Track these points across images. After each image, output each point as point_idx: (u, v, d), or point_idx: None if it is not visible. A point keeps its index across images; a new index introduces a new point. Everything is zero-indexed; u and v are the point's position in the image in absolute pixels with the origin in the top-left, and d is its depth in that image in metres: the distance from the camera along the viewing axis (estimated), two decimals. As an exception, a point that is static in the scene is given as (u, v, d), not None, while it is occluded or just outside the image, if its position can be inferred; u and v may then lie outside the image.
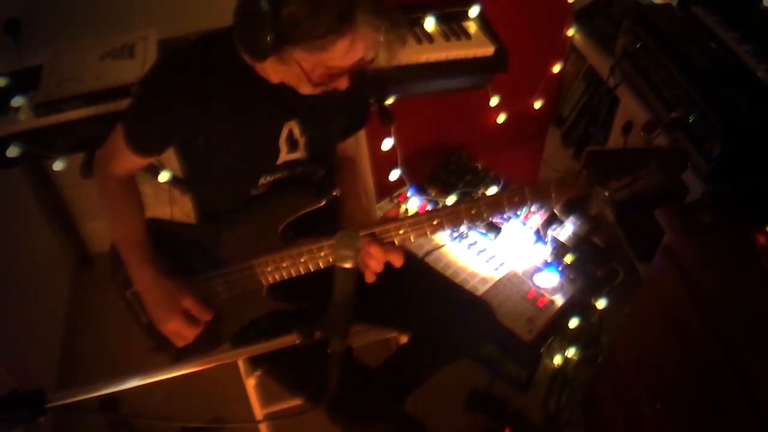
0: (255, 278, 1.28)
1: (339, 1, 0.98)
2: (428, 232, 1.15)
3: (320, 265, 1.23)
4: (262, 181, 1.31)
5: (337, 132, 1.39)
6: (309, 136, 1.29)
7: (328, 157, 1.40)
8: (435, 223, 1.14)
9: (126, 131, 1.22)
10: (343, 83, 1.14)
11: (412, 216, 1.16)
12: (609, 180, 1.08)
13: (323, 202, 1.29)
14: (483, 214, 1.13)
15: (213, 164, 1.28)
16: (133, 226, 1.29)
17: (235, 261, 1.29)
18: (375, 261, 1.15)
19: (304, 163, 1.33)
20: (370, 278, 1.17)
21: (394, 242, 1.16)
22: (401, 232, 1.15)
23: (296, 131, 1.28)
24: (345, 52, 1.05)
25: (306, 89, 1.15)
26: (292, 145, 1.29)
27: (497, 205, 1.12)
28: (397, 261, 1.16)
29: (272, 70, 1.15)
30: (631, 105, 1.85)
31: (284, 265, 1.25)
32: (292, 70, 1.09)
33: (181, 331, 1.26)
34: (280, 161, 1.30)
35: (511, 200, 1.12)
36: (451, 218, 1.14)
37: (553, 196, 1.11)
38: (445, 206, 1.16)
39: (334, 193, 1.41)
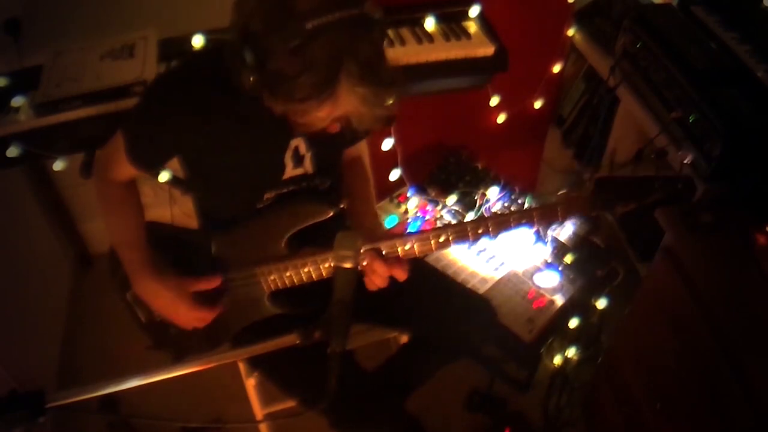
0: (257, 285, 1.28)
1: (323, 65, 0.93)
2: (434, 248, 1.15)
3: (323, 275, 1.22)
4: (267, 195, 1.30)
5: (343, 144, 1.38)
6: (315, 151, 1.28)
7: (335, 169, 1.39)
8: (441, 240, 1.14)
9: (126, 144, 1.21)
10: (333, 128, 1.10)
11: (419, 232, 1.16)
12: (615, 205, 1.11)
13: (330, 213, 1.28)
14: (490, 233, 1.13)
15: (217, 180, 1.27)
16: (132, 229, 1.29)
17: (237, 267, 1.28)
18: (378, 277, 1.14)
19: (311, 177, 1.32)
20: (371, 288, 1.18)
21: (398, 255, 1.15)
22: (407, 246, 1.15)
23: (302, 147, 1.26)
24: (324, 117, 1.02)
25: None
26: (298, 160, 1.28)
27: (504, 225, 1.13)
28: (401, 275, 1.15)
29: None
30: (631, 105, 1.84)
31: (287, 273, 1.24)
32: (278, 109, 1.07)
33: (200, 316, 1.28)
34: (285, 176, 1.29)
35: (519, 221, 1.12)
36: (458, 235, 1.14)
37: (560, 216, 1.12)
38: (452, 223, 1.16)
39: (342, 206, 1.41)
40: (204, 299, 1.28)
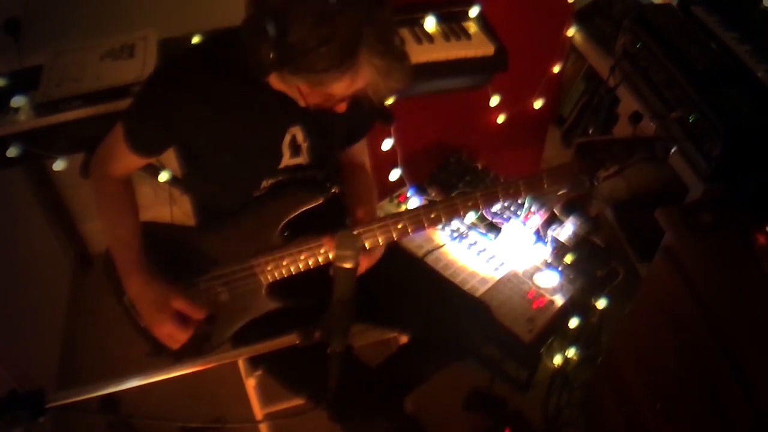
0: (255, 277, 1.28)
1: (345, 37, 0.96)
2: (426, 225, 1.18)
3: (320, 261, 1.24)
4: (264, 184, 1.31)
5: (340, 138, 1.38)
6: (312, 142, 1.29)
7: (331, 162, 1.40)
8: (432, 216, 1.17)
9: (126, 130, 1.22)
10: (341, 108, 1.14)
11: (410, 210, 1.18)
12: (598, 169, 1.15)
13: (321, 200, 1.29)
14: (479, 206, 1.17)
15: (214, 167, 1.27)
16: (127, 227, 1.28)
17: (234, 261, 1.28)
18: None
19: (307, 168, 1.33)
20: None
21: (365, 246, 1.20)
22: (399, 225, 1.17)
23: (299, 137, 1.27)
24: (344, 88, 1.05)
25: (304, 105, 1.15)
26: (295, 150, 1.29)
27: (492, 197, 1.17)
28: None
29: (273, 81, 1.15)
30: (631, 105, 1.84)
31: (284, 263, 1.25)
32: (291, 89, 1.10)
33: (173, 334, 1.24)
34: (282, 166, 1.29)
35: (506, 191, 1.16)
36: (448, 210, 1.17)
37: (545, 185, 1.16)
38: (441, 199, 1.19)
39: (333, 191, 1.41)
40: (183, 318, 1.24)
